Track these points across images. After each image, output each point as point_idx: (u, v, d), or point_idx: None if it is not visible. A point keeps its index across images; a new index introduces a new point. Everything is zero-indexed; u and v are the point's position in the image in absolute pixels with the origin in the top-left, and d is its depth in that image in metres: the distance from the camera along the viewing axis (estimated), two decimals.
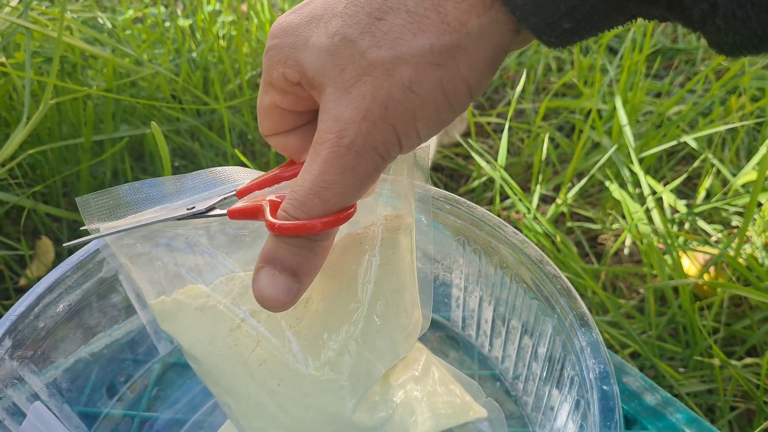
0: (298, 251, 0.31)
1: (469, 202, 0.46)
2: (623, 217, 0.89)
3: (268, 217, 0.32)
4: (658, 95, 1.12)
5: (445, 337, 0.53)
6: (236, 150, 0.69)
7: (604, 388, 0.36)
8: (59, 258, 0.84)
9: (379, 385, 0.40)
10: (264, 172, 0.38)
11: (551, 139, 1.01)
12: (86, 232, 0.38)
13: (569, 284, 0.41)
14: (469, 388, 0.46)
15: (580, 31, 0.25)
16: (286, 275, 0.31)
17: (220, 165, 0.93)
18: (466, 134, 1.08)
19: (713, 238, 0.82)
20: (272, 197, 0.34)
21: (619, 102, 0.74)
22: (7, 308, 0.77)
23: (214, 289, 0.39)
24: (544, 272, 0.42)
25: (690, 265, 0.74)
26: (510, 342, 0.48)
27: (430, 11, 0.26)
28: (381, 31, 0.26)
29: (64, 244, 0.40)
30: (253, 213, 0.35)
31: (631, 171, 0.82)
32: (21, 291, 0.80)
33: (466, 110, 0.28)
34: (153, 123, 0.57)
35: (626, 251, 0.86)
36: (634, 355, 0.71)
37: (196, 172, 0.40)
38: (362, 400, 0.38)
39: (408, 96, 0.27)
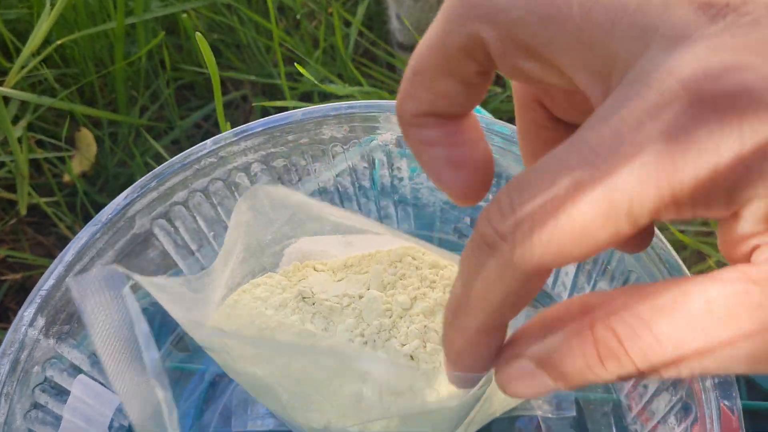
0: None
1: None
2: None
3: None
4: None
5: None
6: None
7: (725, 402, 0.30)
8: (101, 148, 0.79)
9: None
10: None
11: None
12: None
13: (677, 258, 0.34)
14: None
15: None
16: None
17: (263, 43, 0.83)
18: None
19: None
20: None
21: None
22: (51, 206, 0.73)
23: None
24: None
25: None
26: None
27: None
28: None
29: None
30: None
31: None
32: (65, 186, 0.76)
33: None
34: (198, 34, 0.48)
35: None
36: None
37: None
38: None
39: None
